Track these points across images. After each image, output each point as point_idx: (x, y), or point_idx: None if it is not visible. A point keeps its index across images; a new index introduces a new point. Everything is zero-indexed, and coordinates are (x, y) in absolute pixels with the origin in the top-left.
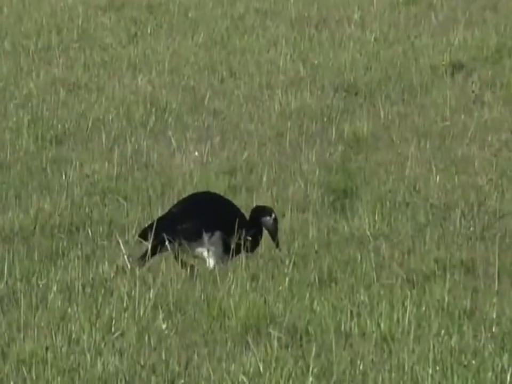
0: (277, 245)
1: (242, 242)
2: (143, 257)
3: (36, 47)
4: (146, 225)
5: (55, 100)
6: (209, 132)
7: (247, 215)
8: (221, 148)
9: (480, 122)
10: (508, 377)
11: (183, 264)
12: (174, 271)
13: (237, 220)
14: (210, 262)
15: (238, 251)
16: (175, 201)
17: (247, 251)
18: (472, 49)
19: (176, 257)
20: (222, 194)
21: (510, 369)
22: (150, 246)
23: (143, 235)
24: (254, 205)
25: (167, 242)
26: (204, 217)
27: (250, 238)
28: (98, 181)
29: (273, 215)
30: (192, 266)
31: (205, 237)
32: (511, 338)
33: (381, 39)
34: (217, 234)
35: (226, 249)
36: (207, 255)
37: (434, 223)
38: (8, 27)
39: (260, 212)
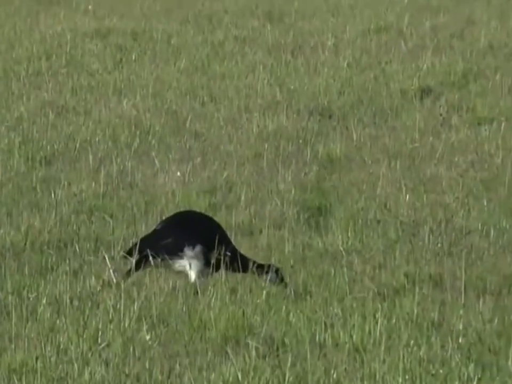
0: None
1: (222, 258)
2: (128, 272)
3: (26, 73)
4: (132, 244)
5: (45, 122)
6: (191, 153)
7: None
8: (202, 168)
9: (447, 144)
10: None
11: None
12: (157, 285)
13: (218, 236)
14: (192, 276)
15: (218, 266)
16: (159, 219)
17: (239, 271)
18: (440, 74)
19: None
20: (203, 212)
21: (476, 378)
22: (134, 261)
23: (129, 252)
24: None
25: (150, 258)
26: (185, 233)
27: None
28: (86, 199)
29: (273, 269)
30: None
31: (187, 251)
32: (477, 348)
33: (354, 65)
34: (198, 249)
35: (207, 263)
36: (189, 269)
37: (404, 239)
38: (0, 53)
39: (260, 269)
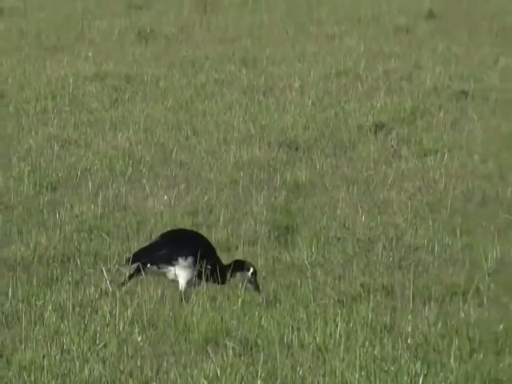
0: (259, 292)
1: (204, 271)
2: (131, 276)
3: (34, 110)
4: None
5: (50, 153)
6: (176, 180)
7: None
8: (186, 193)
9: (398, 172)
10: (421, 380)
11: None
12: (147, 294)
13: (207, 251)
14: (181, 283)
15: (207, 278)
16: (149, 237)
17: (218, 283)
18: (391, 112)
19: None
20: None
21: (422, 374)
22: (129, 268)
23: (135, 257)
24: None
25: (148, 265)
26: (179, 246)
27: (210, 267)
28: (86, 219)
29: (251, 270)
30: None
31: (180, 261)
32: (423, 348)
33: (317, 104)
34: (190, 260)
35: (195, 273)
36: (179, 277)
37: (360, 254)
38: (12, 94)
39: (239, 266)
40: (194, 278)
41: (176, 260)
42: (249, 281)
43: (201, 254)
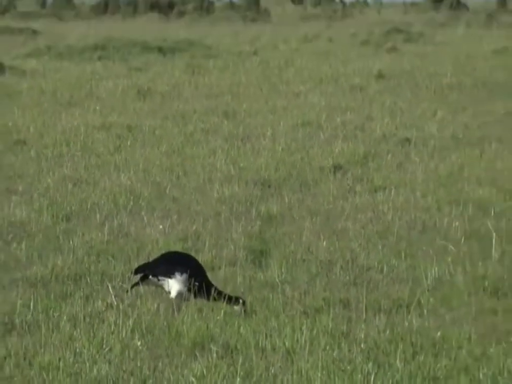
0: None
1: (197, 288)
2: (135, 284)
3: (52, 154)
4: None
5: (65, 190)
6: (170, 212)
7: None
8: (178, 223)
9: (353, 205)
10: (372, 378)
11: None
12: (146, 307)
13: (197, 270)
14: (173, 294)
15: (195, 293)
16: (148, 258)
17: (206, 299)
18: (347, 155)
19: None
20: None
21: (373, 373)
22: (139, 277)
23: (137, 271)
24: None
25: (150, 276)
26: (176, 264)
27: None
28: (94, 245)
29: (240, 302)
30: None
31: (176, 276)
32: (374, 351)
33: (286, 149)
34: (184, 276)
35: (188, 288)
36: (175, 291)
37: (322, 274)
38: (33, 141)
39: (231, 300)
40: (185, 292)
41: (173, 274)
42: (238, 312)
43: (192, 273)
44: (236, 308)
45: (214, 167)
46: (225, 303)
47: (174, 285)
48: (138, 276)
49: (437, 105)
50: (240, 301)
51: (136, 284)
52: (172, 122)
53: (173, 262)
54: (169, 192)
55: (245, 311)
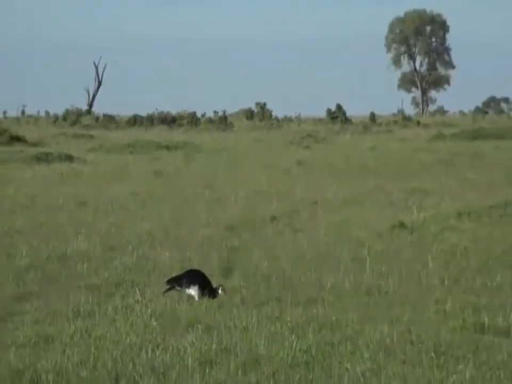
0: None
1: (207, 292)
2: (166, 290)
3: (102, 210)
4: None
5: (110, 232)
6: (172, 245)
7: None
8: (177, 252)
9: (284, 241)
10: (294, 344)
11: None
12: (159, 302)
13: (206, 281)
14: (195, 298)
15: (209, 295)
16: (160, 275)
17: (211, 297)
18: (280, 211)
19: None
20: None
21: (295, 341)
22: (169, 286)
23: (168, 282)
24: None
25: (176, 286)
26: (193, 278)
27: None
28: (128, 265)
29: (221, 288)
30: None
31: (193, 286)
32: (296, 328)
33: (243, 207)
34: (197, 286)
35: (202, 293)
36: (193, 294)
37: (264, 282)
38: (92, 202)
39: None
40: (197, 295)
41: (190, 285)
42: (223, 290)
43: (204, 284)
44: (220, 292)
45: (199, 218)
46: (217, 294)
47: (191, 292)
48: (169, 286)
49: (333, 180)
50: (221, 287)
51: (168, 289)
52: (174, 191)
53: (190, 276)
54: (172, 234)
55: (225, 291)
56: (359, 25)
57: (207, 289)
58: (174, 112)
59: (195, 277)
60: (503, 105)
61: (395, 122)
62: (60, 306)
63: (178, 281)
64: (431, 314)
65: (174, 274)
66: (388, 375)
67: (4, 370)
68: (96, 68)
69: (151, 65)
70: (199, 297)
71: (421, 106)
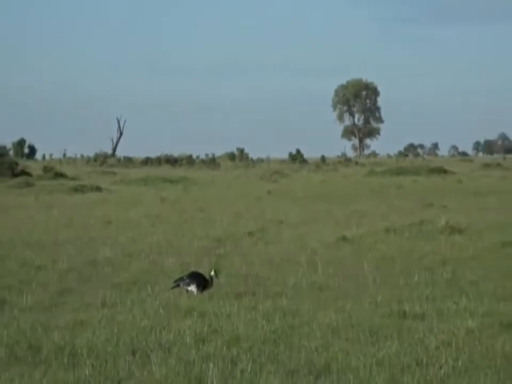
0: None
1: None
2: (172, 288)
3: (123, 229)
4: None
5: (127, 244)
6: (174, 254)
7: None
8: (178, 259)
9: (258, 250)
10: (265, 327)
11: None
12: (164, 296)
13: (204, 280)
14: (194, 293)
15: (203, 289)
16: (166, 276)
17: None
18: (254, 227)
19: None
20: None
21: (261, 324)
22: (175, 285)
23: (175, 281)
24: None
25: (181, 284)
26: (193, 278)
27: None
28: (141, 269)
29: (213, 271)
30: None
31: (193, 284)
32: (266, 315)
33: (226, 225)
34: (196, 284)
35: (201, 290)
36: (194, 291)
37: (239, 279)
38: (115, 222)
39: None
40: (197, 292)
41: (191, 284)
42: (215, 274)
43: (202, 282)
44: (212, 274)
45: (195, 233)
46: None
47: (191, 288)
48: (175, 284)
49: (294, 205)
50: (213, 271)
51: (174, 287)
52: (176, 213)
53: (192, 277)
54: (175, 245)
55: (216, 275)
56: (312, 89)
57: (204, 286)
58: (176, 154)
59: (195, 277)
60: (419, 150)
61: (339, 162)
62: (91, 299)
63: (182, 281)
64: (366, 304)
65: (176, 276)
66: (335, 350)
67: (50, 346)
68: (118, 122)
69: (160, 119)
70: (197, 293)
71: (358, 150)
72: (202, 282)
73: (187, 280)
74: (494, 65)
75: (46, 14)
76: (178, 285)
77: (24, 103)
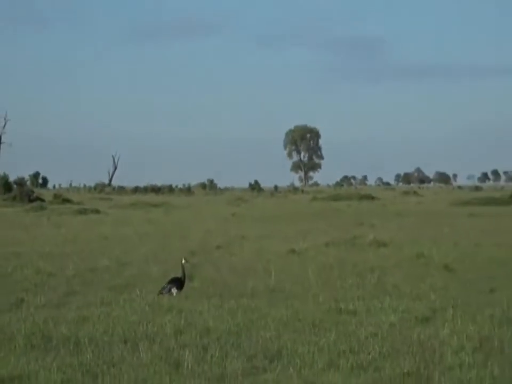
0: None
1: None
2: (159, 293)
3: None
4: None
5: (127, 256)
6: (159, 262)
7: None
8: (163, 266)
9: (228, 260)
10: (239, 317)
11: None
12: (152, 298)
13: (181, 281)
14: (174, 294)
15: (181, 289)
16: (158, 282)
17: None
18: (222, 241)
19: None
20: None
21: (229, 315)
22: (159, 290)
23: (159, 292)
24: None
25: (164, 291)
26: (173, 283)
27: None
28: (133, 276)
29: (184, 259)
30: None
31: (173, 286)
32: (240, 309)
33: (198, 239)
34: (176, 288)
35: (180, 289)
36: (174, 292)
37: (218, 281)
38: (113, 240)
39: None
40: (175, 293)
41: (173, 287)
42: (186, 260)
43: (179, 284)
44: (183, 261)
45: (174, 247)
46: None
47: (173, 291)
48: (160, 292)
49: (253, 224)
50: (184, 258)
51: (159, 293)
52: (159, 231)
53: (171, 282)
54: (159, 256)
55: (187, 260)
56: (268, 132)
57: (181, 288)
58: (159, 184)
59: (174, 281)
60: (352, 181)
61: (289, 191)
62: (91, 299)
63: (164, 289)
64: (310, 303)
65: (159, 280)
66: (285, 339)
67: (59, 336)
68: (114, 158)
69: (147, 156)
70: (177, 293)
71: (303, 181)
72: (180, 283)
73: (168, 287)
74: (413, 113)
75: (61, 80)
76: (161, 293)
77: (39, 144)
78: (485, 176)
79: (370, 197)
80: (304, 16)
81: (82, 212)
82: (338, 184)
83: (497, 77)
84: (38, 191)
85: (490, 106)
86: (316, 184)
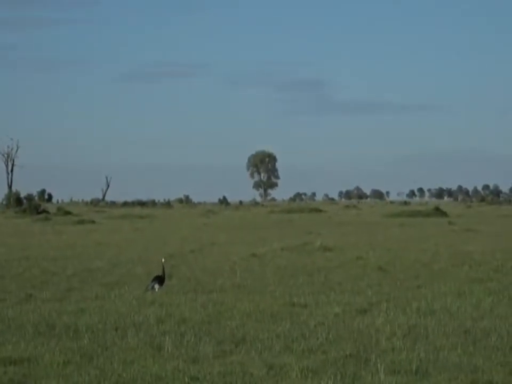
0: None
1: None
2: (146, 288)
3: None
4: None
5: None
6: (147, 263)
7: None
8: (153, 269)
9: (210, 263)
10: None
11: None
12: (144, 293)
13: (162, 278)
14: (156, 290)
15: (162, 285)
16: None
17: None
18: (196, 246)
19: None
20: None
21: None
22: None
23: (145, 289)
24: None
25: (150, 287)
26: (156, 280)
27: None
28: (132, 275)
29: (163, 259)
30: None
31: (156, 282)
32: (215, 308)
33: (179, 244)
34: (158, 284)
35: (161, 284)
36: (156, 288)
37: (206, 283)
38: (111, 248)
39: (163, 274)
40: (158, 289)
41: (155, 283)
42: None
43: (160, 280)
44: (163, 260)
45: (156, 251)
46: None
47: (155, 287)
48: (146, 288)
49: (222, 233)
50: (163, 259)
51: (146, 290)
52: (144, 238)
53: (154, 279)
54: (143, 259)
55: (166, 260)
56: (234, 157)
57: (162, 284)
58: (144, 199)
59: (156, 278)
60: (303, 197)
61: (251, 205)
62: (88, 294)
63: (149, 285)
64: (268, 297)
65: (144, 279)
66: (248, 327)
67: (61, 325)
68: (107, 178)
69: (134, 176)
70: (159, 288)
71: (263, 197)
72: (160, 280)
73: (151, 284)
74: (353, 141)
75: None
76: (147, 289)
77: (45, 166)
78: (412, 193)
79: (318, 210)
80: (263, 60)
81: (81, 222)
82: (292, 199)
83: (417, 111)
84: (44, 205)
85: (413, 136)
86: (273, 199)
